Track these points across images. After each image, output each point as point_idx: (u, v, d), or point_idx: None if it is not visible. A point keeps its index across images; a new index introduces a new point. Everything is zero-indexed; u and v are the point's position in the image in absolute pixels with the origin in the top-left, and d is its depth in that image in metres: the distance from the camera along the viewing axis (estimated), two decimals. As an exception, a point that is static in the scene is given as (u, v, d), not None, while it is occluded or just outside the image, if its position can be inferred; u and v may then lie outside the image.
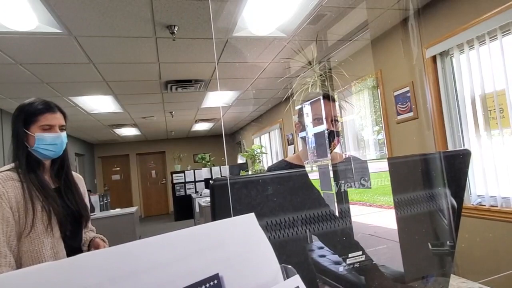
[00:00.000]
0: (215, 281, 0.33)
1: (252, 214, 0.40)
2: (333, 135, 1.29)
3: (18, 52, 2.91)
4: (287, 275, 0.40)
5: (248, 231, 0.39)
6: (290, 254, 0.72)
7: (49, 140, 1.25)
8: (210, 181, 0.65)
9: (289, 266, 0.40)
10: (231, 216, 0.42)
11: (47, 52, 2.97)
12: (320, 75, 2.98)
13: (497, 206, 2.30)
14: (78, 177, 1.45)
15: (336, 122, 1.34)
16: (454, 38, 2.45)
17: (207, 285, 0.33)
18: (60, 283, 0.29)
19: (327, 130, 1.27)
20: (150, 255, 0.32)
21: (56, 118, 1.29)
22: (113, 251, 0.32)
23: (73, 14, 2.35)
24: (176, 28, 2.67)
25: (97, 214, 4.99)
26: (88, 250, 1.40)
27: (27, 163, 1.23)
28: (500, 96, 2.21)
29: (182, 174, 8.68)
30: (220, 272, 0.34)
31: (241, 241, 0.38)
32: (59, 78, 3.72)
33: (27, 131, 1.24)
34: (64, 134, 1.31)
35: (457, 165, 0.89)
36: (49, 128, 1.26)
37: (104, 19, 2.45)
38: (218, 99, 5.59)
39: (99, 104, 5.07)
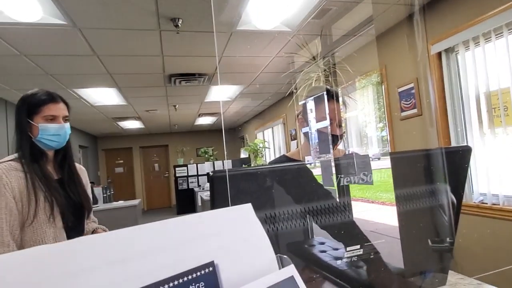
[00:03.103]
0: (210, 268, 0.34)
1: (249, 204, 0.40)
2: (337, 139, 1.28)
3: (22, 43, 2.92)
4: (282, 264, 0.40)
5: (244, 220, 0.39)
6: (290, 246, 0.73)
7: (52, 131, 1.26)
8: (210, 173, 0.65)
9: (285, 256, 0.40)
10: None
11: (51, 44, 2.97)
12: (324, 70, 2.97)
13: (499, 204, 2.29)
14: (80, 168, 1.46)
15: (341, 127, 1.33)
16: (460, 35, 2.42)
17: (202, 272, 0.33)
18: (57, 265, 0.29)
19: (332, 133, 1.26)
20: (146, 241, 0.33)
21: (60, 109, 1.29)
22: (111, 235, 0.33)
23: (78, 6, 2.35)
24: (180, 21, 2.66)
25: (100, 206, 5.02)
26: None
27: (30, 153, 1.24)
28: (504, 94, 2.19)
29: (185, 168, 8.70)
30: (215, 260, 0.35)
31: (237, 230, 0.38)
32: (63, 70, 3.73)
33: (30, 121, 1.24)
34: (67, 125, 1.32)
35: (457, 161, 0.89)
36: (53, 118, 1.27)
37: (108, 11, 2.45)
38: (221, 93, 5.58)
39: (103, 96, 5.08)
